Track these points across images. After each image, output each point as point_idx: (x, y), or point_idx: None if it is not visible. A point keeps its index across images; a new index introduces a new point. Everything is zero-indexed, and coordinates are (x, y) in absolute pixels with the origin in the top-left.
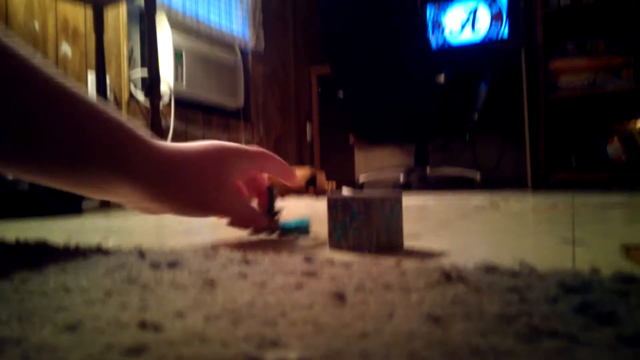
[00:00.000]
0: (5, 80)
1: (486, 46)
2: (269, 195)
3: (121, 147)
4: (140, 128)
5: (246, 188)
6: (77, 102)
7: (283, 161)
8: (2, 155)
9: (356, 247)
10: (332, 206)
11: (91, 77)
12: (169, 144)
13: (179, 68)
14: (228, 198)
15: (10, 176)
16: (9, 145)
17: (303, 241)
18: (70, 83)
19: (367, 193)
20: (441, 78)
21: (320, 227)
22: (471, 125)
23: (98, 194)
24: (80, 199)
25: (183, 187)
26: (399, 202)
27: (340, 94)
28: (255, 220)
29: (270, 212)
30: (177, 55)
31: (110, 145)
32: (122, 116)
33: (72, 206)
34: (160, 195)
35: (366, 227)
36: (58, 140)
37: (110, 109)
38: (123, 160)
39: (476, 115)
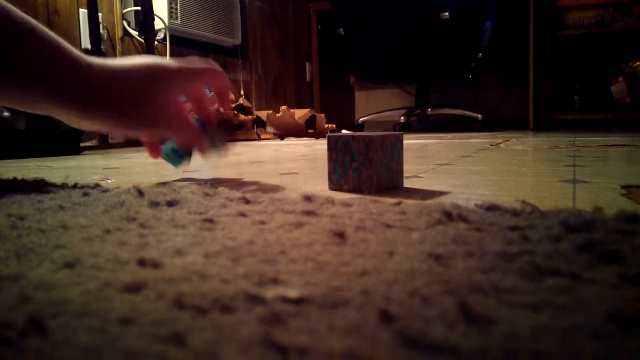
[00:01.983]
0: None
1: None
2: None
3: (47, 63)
4: (71, 45)
5: (191, 108)
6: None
7: (223, 76)
8: None
9: (356, 188)
10: (332, 146)
11: (83, 13)
12: (99, 60)
13: (173, 4)
14: (166, 116)
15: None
16: None
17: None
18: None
19: (367, 133)
20: (445, 15)
21: (316, 169)
22: (475, 64)
23: (32, 109)
24: (79, 139)
25: (116, 103)
26: (400, 141)
27: (341, 31)
28: (197, 139)
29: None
30: None
31: (33, 60)
32: (52, 33)
33: (70, 146)
34: (92, 112)
35: (366, 168)
36: None
37: (40, 26)
38: (48, 76)
39: (480, 55)
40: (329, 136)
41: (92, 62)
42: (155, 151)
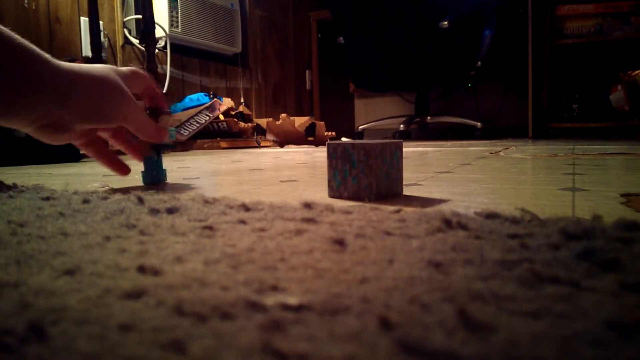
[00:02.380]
0: None
1: None
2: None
3: (28, 66)
4: (40, 50)
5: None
6: None
7: (151, 81)
8: None
9: (356, 196)
10: (332, 154)
11: (84, 21)
12: (64, 62)
13: (174, 12)
14: (128, 106)
15: None
16: None
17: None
18: None
19: (366, 141)
20: (445, 24)
21: (315, 176)
22: (474, 72)
23: (16, 117)
24: None
25: (87, 94)
26: (399, 149)
27: (341, 39)
28: (152, 128)
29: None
30: None
31: (18, 64)
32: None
33: (70, 154)
34: (68, 104)
35: (366, 176)
36: None
37: (9, 32)
38: (34, 77)
39: (479, 63)
40: (328, 144)
41: (56, 61)
42: (135, 151)
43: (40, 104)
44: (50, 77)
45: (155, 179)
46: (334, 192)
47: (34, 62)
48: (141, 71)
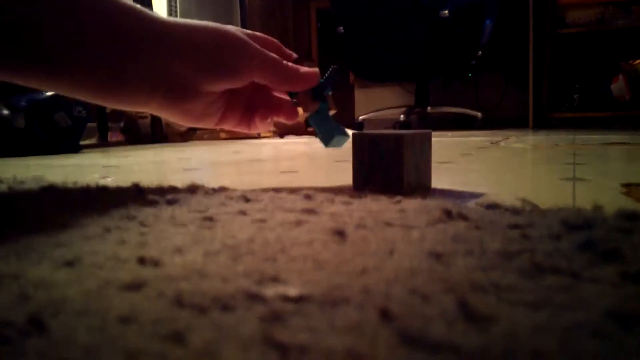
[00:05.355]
0: None
1: None
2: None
3: (141, 33)
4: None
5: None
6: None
7: (281, 46)
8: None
9: (384, 189)
10: (358, 144)
11: None
12: (171, 18)
13: (173, 1)
14: (254, 54)
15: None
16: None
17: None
18: None
19: (394, 131)
20: (445, 13)
21: (315, 167)
22: (475, 62)
23: (133, 99)
24: (78, 137)
25: (205, 44)
26: (429, 139)
27: (341, 29)
28: (296, 70)
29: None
30: None
31: (134, 33)
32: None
33: (69, 145)
34: (183, 54)
35: (396, 167)
36: (98, 43)
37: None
38: (140, 33)
39: (480, 52)
40: (354, 134)
41: (161, 16)
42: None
43: (153, 60)
44: (157, 31)
45: (337, 132)
46: (360, 185)
47: (134, 17)
48: (269, 37)
